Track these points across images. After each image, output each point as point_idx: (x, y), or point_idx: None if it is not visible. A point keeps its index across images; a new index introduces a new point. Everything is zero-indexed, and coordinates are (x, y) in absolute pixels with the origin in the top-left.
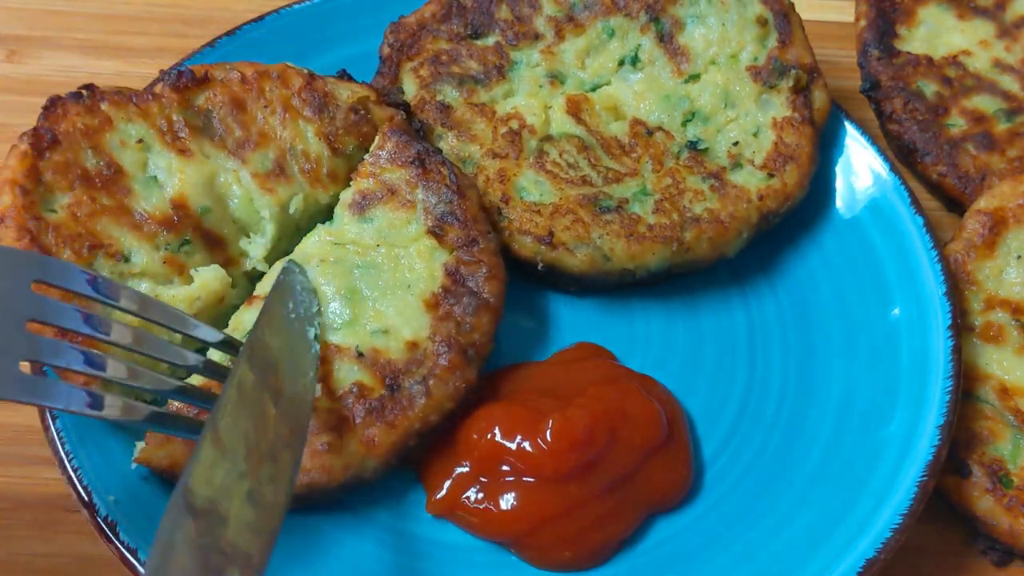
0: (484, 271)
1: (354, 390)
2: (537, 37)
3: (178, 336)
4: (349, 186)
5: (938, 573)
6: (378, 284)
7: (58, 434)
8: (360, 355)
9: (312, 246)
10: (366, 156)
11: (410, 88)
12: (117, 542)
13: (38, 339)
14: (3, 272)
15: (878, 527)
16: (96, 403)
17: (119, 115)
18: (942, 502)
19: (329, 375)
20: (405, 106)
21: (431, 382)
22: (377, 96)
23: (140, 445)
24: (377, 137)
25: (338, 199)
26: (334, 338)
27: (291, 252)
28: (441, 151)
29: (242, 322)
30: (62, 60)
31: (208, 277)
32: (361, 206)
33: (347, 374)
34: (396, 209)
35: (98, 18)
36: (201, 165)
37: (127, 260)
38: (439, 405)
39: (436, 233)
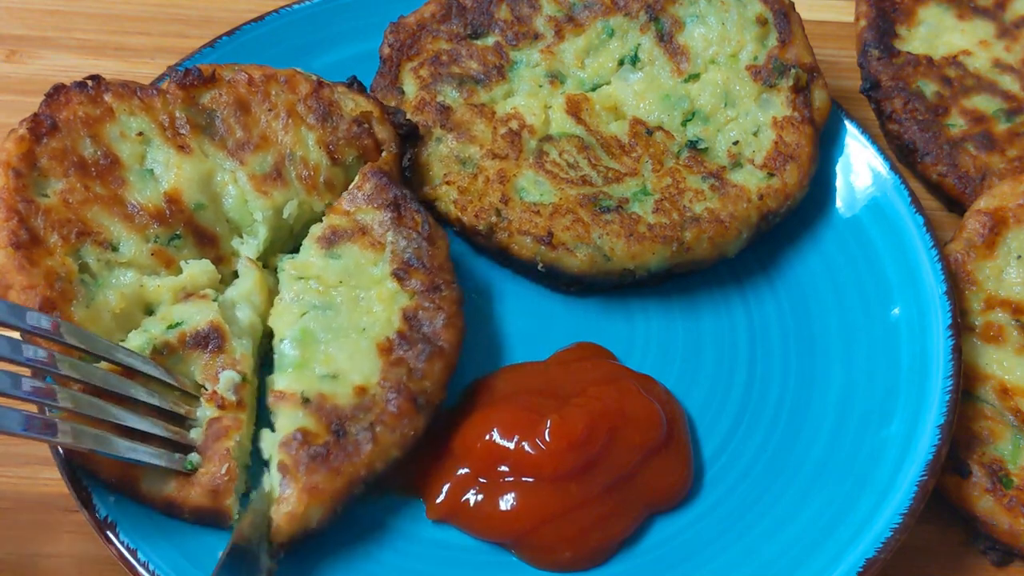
0: (442, 319)
1: (297, 436)
2: (537, 37)
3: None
4: (334, 201)
5: (938, 573)
6: (332, 327)
7: None
8: (306, 401)
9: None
10: (344, 193)
11: (410, 88)
12: (117, 542)
13: None
14: None
15: (878, 527)
16: (51, 429)
17: (122, 107)
18: (942, 502)
19: (272, 422)
20: (412, 127)
21: (378, 429)
22: (382, 113)
23: None
24: (357, 177)
25: None
26: (280, 383)
27: (284, 255)
28: (417, 199)
29: (171, 314)
30: (62, 60)
31: (197, 271)
32: (330, 241)
33: (291, 420)
34: (364, 248)
35: (98, 18)
36: (199, 162)
37: (115, 249)
38: (385, 452)
39: (400, 276)
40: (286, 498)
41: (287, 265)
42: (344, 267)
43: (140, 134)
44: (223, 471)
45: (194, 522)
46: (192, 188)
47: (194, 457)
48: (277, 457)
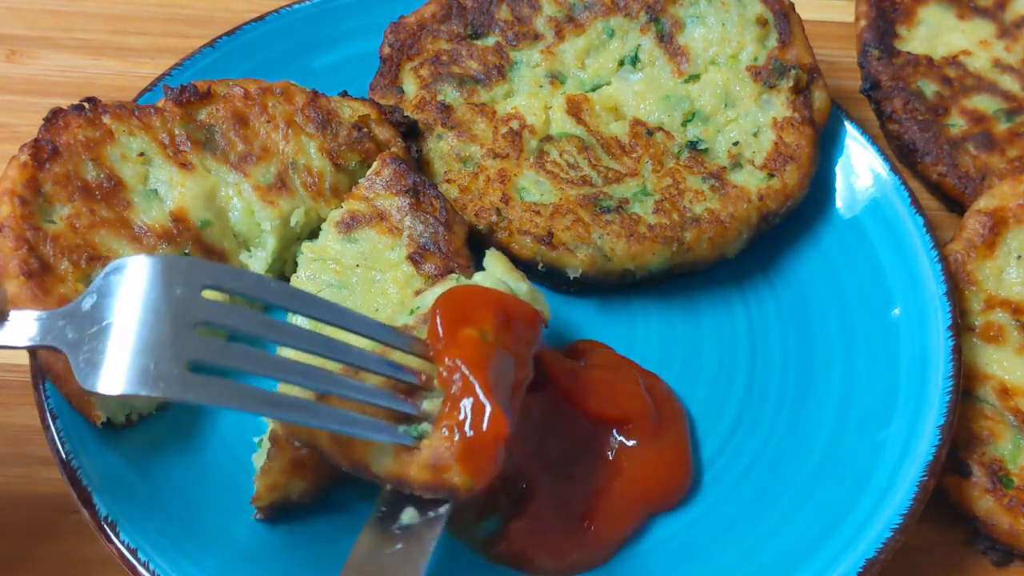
0: None
1: None
2: (537, 37)
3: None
4: (341, 206)
5: (938, 573)
6: (346, 305)
7: (58, 434)
8: None
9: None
10: (362, 180)
11: (410, 88)
12: (117, 542)
13: (208, 341)
14: (174, 279)
15: (878, 527)
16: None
17: (120, 128)
18: (942, 502)
19: None
20: (411, 123)
21: None
22: (379, 114)
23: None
24: (375, 163)
25: None
26: (287, 352)
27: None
28: (436, 185)
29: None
30: (62, 60)
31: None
32: (348, 226)
33: (289, 389)
34: (382, 233)
35: (98, 18)
36: (202, 179)
37: None
38: None
39: (416, 260)
40: (267, 469)
41: (306, 248)
42: (361, 251)
43: (141, 154)
44: (445, 446)
45: (430, 497)
46: (197, 205)
47: (424, 427)
48: (270, 426)
